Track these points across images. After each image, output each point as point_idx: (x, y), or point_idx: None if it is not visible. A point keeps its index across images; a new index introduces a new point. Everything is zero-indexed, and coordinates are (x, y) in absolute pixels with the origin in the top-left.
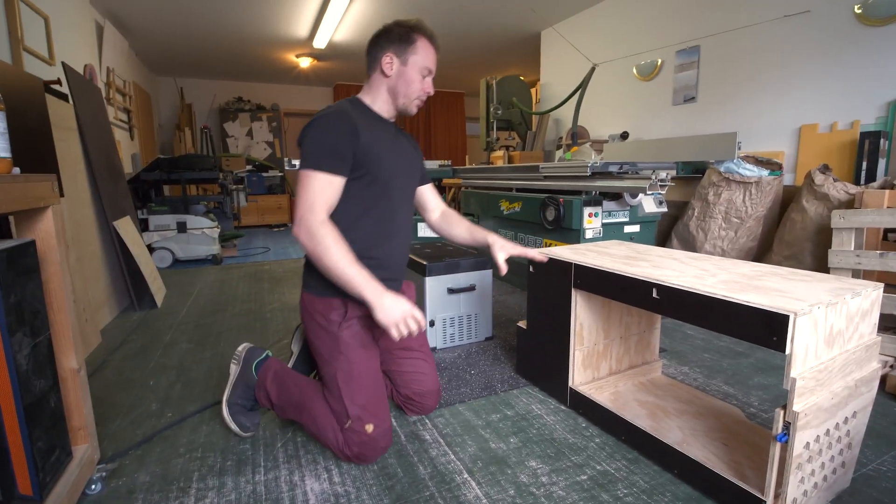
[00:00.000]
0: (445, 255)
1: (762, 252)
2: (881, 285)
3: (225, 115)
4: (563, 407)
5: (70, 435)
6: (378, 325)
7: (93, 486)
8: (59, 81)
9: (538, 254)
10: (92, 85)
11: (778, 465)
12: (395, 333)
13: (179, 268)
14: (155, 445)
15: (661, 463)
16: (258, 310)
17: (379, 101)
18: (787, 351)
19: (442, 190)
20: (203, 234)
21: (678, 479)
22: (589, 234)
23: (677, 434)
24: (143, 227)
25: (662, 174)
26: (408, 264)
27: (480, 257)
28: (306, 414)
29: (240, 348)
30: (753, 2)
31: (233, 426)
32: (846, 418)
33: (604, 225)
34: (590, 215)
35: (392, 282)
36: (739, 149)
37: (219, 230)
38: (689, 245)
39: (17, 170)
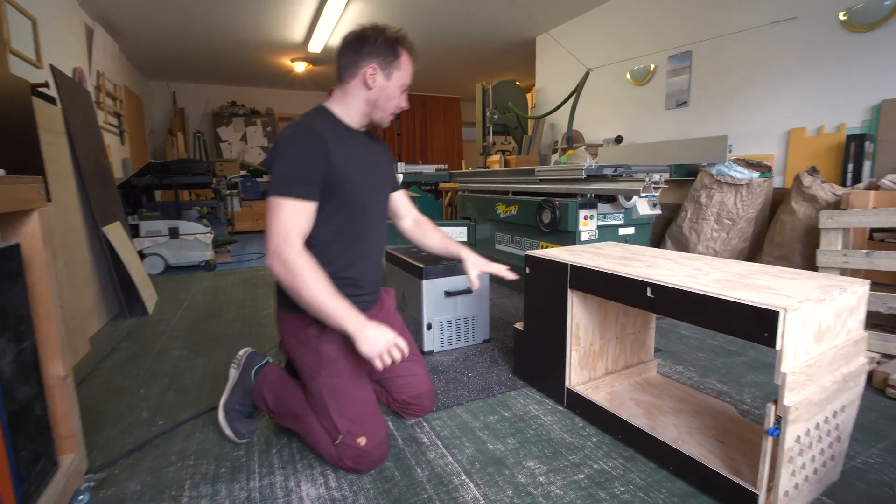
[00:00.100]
0: (442, 258)
1: (753, 253)
2: (867, 282)
3: (219, 119)
4: (560, 407)
5: (56, 444)
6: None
7: (80, 497)
8: (46, 84)
9: (507, 272)
10: (81, 88)
11: (770, 458)
12: (379, 365)
13: (172, 274)
14: (146, 454)
15: (657, 460)
16: (253, 315)
17: (352, 111)
18: (778, 346)
19: (439, 194)
20: (196, 240)
21: (674, 475)
22: (584, 237)
23: (673, 432)
24: (134, 233)
25: (656, 177)
26: (403, 266)
27: None
28: (302, 424)
29: (241, 352)
30: (742, 8)
31: (228, 432)
32: (835, 412)
33: (599, 227)
34: (585, 218)
35: (368, 298)
36: (731, 152)
37: (212, 236)
38: (683, 246)
39: (1, 172)
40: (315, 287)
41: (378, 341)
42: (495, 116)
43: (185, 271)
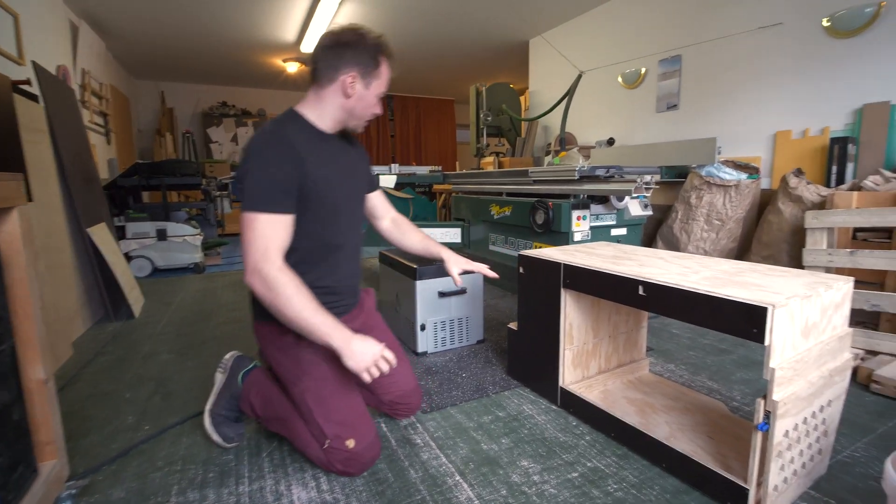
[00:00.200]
0: (436, 259)
1: (742, 253)
2: (851, 279)
3: (208, 120)
4: (553, 406)
5: (36, 450)
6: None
7: None
8: (28, 82)
9: (488, 270)
10: (65, 86)
11: (760, 453)
12: (367, 378)
13: (160, 277)
14: (131, 460)
15: (650, 458)
16: (243, 318)
17: (327, 117)
18: (767, 342)
19: (433, 195)
20: (185, 242)
21: (666, 472)
22: (577, 237)
23: (665, 429)
24: (121, 234)
25: (647, 178)
26: (397, 268)
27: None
28: (290, 429)
29: (227, 356)
30: (730, 14)
31: (215, 437)
32: (822, 407)
33: (592, 228)
34: (578, 218)
35: (347, 302)
36: (719, 154)
37: (201, 238)
38: (674, 247)
39: None
40: (298, 304)
41: (365, 355)
42: (489, 118)
43: (173, 274)
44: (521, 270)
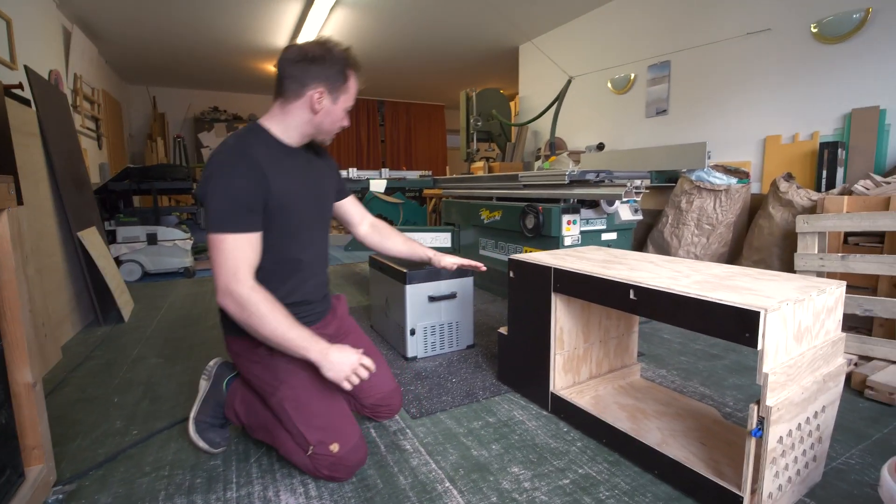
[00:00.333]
0: (422, 260)
1: (733, 257)
2: (844, 283)
3: (200, 125)
4: (544, 412)
5: (23, 455)
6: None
7: None
8: (20, 86)
9: (476, 263)
10: (57, 91)
11: (754, 460)
12: (347, 387)
13: (150, 281)
14: (118, 465)
15: (642, 464)
16: None
17: (292, 132)
18: (759, 347)
19: (423, 200)
20: (175, 246)
21: (659, 479)
22: (568, 242)
23: (657, 435)
24: (111, 238)
25: (637, 182)
26: (387, 272)
27: None
28: (274, 438)
29: (211, 363)
30: (719, 20)
31: (201, 444)
32: (816, 412)
33: (582, 232)
34: (568, 223)
35: (319, 309)
36: (709, 158)
37: (192, 242)
38: (664, 251)
39: None
40: (273, 321)
41: (343, 364)
42: (479, 123)
43: (163, 278)
44: (511, 275)
